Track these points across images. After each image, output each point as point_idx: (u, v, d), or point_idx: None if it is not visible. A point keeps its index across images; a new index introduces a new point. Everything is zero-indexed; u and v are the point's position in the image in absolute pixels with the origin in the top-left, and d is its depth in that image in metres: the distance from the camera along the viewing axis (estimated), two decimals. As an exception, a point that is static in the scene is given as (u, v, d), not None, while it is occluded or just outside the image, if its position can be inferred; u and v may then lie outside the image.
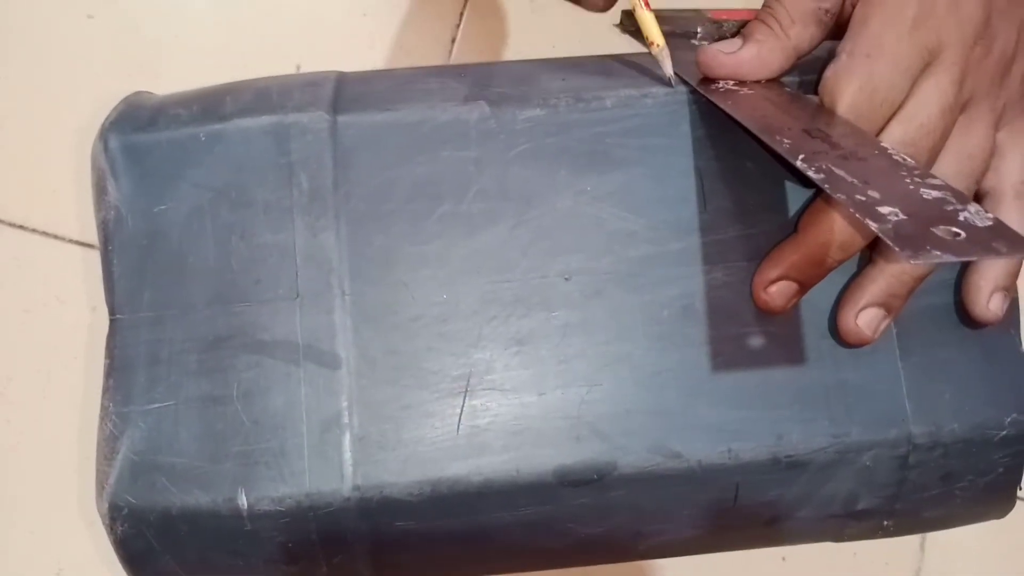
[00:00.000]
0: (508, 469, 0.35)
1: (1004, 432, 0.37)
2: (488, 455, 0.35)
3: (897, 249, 0.26)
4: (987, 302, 0.37)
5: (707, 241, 0.37)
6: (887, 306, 0.36)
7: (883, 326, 0.36)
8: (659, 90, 0.37)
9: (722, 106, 0.35)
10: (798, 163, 0.31)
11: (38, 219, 0.50)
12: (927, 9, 0.35)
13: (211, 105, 0.38)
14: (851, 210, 0.28)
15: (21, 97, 0.50)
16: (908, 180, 0.30)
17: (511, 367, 0.36)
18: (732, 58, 0.36)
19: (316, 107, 0.37)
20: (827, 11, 0.36)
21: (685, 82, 0.38)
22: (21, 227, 0.50)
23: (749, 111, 0.34)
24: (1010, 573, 0.52)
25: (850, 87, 0.34)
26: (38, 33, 0.51)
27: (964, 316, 0.37)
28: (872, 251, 0.36)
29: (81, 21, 0.51)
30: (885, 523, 0.38)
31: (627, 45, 0.51)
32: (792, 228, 0.36)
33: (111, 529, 0.35)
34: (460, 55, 0.52)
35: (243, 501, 0.34)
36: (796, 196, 0.37)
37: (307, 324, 0.35)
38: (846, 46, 0.35)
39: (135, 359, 0.35)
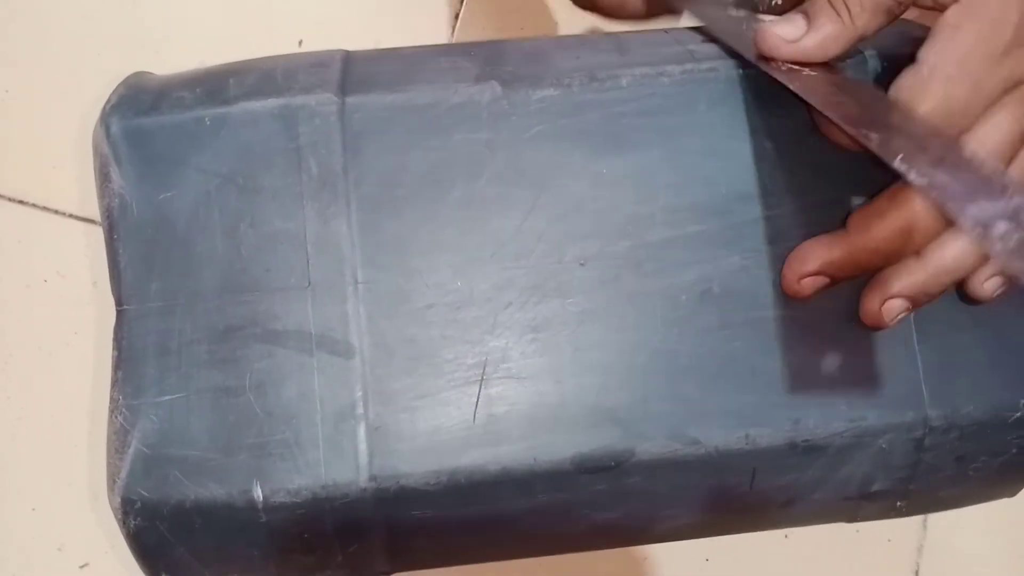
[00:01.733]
0: (525, 457, 0.35)
1: (1018, 414, 0.36)
2: (505, 444, 0.35)
3: None
4: (983, 280, 0.36)
5: (725, 224, 0.36)
6: (915, 300, 0.35)
7: (902, 316, 0.35)
8: (675, 68, 0.37)
9: (791, 87, 0.34)
10: (896, 163, 0.29)
11: (38, 194, 0.49)
12: (1022, 36, 0.33)
13: (215, 87, 0.36)
14: (967, 227, 0.27)
15: (20, 73, 0.50)
16: (1007, 193, 0.28)
17: (527, 355, 0.35)
18: (795, 47, 0.35)
19: (324, 89, 0.36)
20: (901, 4, 0.35)
21: (739, 56, 0.37)
22: (21, 202, 0.49)
23: (823, 96, 0.33)
24: (1012, 549, 0.52)
25: (925, 104, 0.33)
26: (37, 8, 0.50)
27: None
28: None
29: (81, -4, 0.50)
30: (898, 504, 0.38)
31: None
32: (811, 210, 0.36)
33: (123, 523, 0.34)
34: (463, 30, 0.51)
35: (258, 493, 0.34)
36: (816, 177, 0.36)
37: (320, 313, 0.35)
38: (929, 56, 0.34)
39: (144, 350, 0.35)
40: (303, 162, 0.35)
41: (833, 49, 0.35)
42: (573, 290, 0.35)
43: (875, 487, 0.37)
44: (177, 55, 0.48)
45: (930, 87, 0.33)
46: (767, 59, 0.36)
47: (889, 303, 0.35)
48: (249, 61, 0.38)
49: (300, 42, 0.50)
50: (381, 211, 0.35)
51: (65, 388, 0.49)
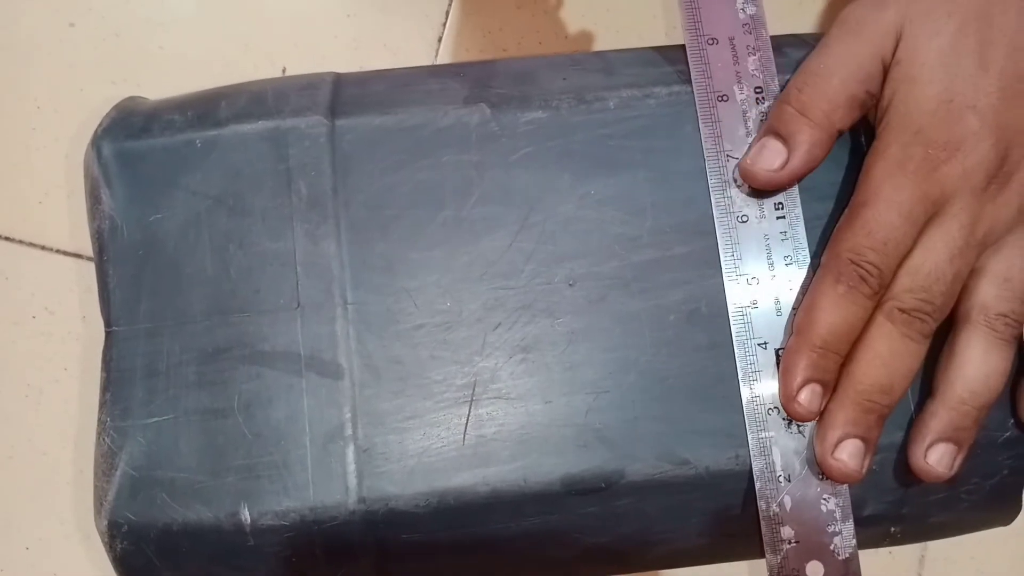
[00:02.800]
0: (515, 479, 0.34)
1: (1008, 434, 0.36)
2: (495, 465, 0.34)
3: None
4: (924, 454, 0.35)
5: (712, 245, 0.36)
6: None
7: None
8: (661, 90, 0.37)
9: None
10: None
11: (25, 230, 0.49)
12: (930, 163, 0.34)
13: (206, 110, 0.37)
14: None
15: (2, 108, 0.50)
16: None
17: (516, 375, 0.35)
18: (785, 173, 0.35)
19: (313, 111, 0.36)
20: (871, 95, 0.35)
21: None
22: (7, 238, 0.49)
23: None
24: (1013, 558, 0.52)
25: (848, 232, 0.34)
26: (20, 42, 0.50)
27: None
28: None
29: (63, 29, 0.50)
30: (892, 529, 0.38)
31: (614, 40, 0.50)
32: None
33: (110, 547, 0.34)
34: (446, 54, 0.51)
35: (246, 516, 0.33)
36: (801, 196, 0.37)
37: (309, 334, 0.35)
38: (851, 200, 0.35)
39: (132, 372, 0.35)
40: (293, 183, 0.36)
41: (820, 155, 0.35)
42: (562, 310, 0.36)
43: (867, 510, 0.36)
44: (160, 87, 0.48)
45: (855, 218, 0.34)
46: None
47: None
48: (240, 84, 0.38)
49: (284, 70, 0.50)
50: (370, 232, 0.36)
51: (55, 425, 0.48)
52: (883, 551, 0.51)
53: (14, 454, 0.48)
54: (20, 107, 0.50)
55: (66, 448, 0.48)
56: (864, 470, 0.34)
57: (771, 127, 0.36)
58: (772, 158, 0.35)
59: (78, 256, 0.49)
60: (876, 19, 0.35)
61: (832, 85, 0.35)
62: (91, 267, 0.49)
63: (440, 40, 0.51)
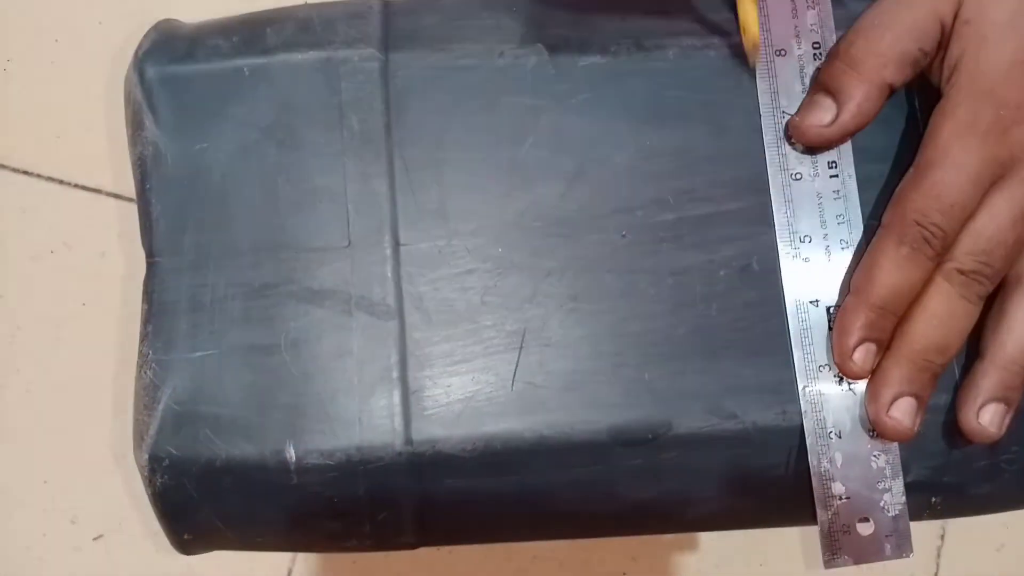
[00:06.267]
0: (562, 427, 0.34)
1: None
2: (542, 412, 0.34)
3: None
4: (976, 414, 0.35)
5: (766, 201, 0.36)
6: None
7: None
8: (720, 42, 0.36)
9: None
10: None
11: (42, 164, 0.48)
12: (1000, 124, 0.33)
13: (251, 36, 0.36)
14: None
15: (21, 43, 0.48)
16: None
17: (567, 324, 0.35)
18: (836, 128, 0.35)
19: (366, 43, 0.35)
20: (925, 53, 0.35)
21: None
22: (26, 172, 0.48)
23: None
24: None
25: (914, 193, 0.34)
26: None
27: None
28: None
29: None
30: (933, 500, 0.37)
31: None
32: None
33: (150, 481, 0.33)
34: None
35: (291, 454, 0.33)
36: (857, 156, 0.36)
37: (358, 273, 0.34)
38: (916, 159, 0.35)
39: (176, 305, 0.34)
40: (345, 118, 0.35)
41: (871, 110, 0.35)
42: (613, 261, 0.35)
43: (910, 476, 0.36)
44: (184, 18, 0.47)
45: (916, 178, 0.34)
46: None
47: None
48: (281, 9, 0.37)
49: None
50: (423, 172, 0.35)
51: (74, 360, 0.47)
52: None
53: (32, 388, 0.47)
54: (38, 41, 0.49)
55: (84, 383, 0.47)
56: (916, 428, 0.34)
57: (821, 82, 0.36)
58: (821, 114, 0.35)
59: (97, 191, 0.48)
60: None
61: (884, 40, 0.34)
62: (109, 202, 0.48)
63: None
